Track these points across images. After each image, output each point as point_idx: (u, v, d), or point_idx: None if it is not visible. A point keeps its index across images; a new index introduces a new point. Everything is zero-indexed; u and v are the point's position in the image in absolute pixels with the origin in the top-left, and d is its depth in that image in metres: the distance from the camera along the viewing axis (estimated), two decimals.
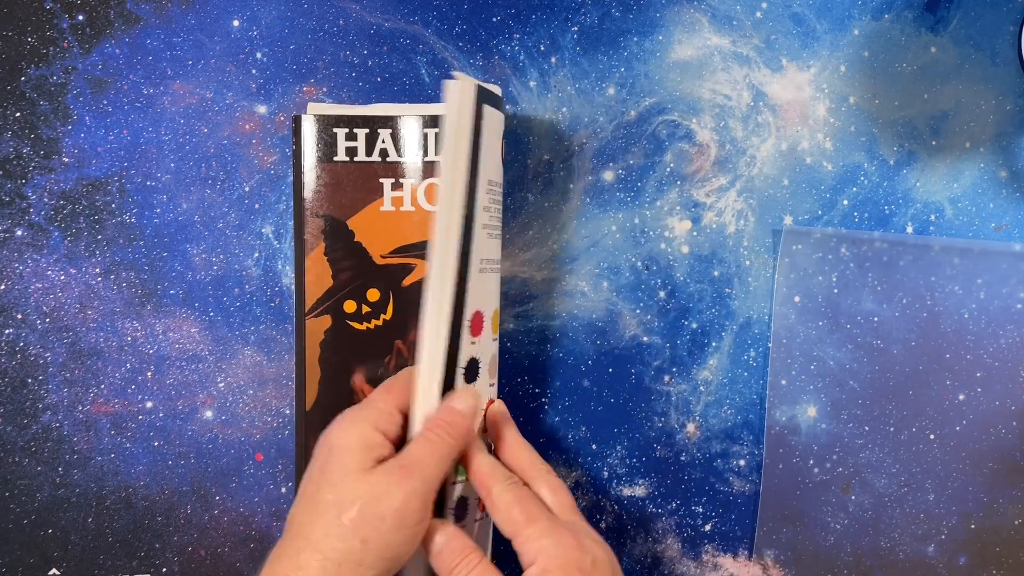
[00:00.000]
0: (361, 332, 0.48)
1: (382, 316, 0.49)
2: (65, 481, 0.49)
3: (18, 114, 0.49)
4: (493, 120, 0.43)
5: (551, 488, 0.41)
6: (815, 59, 0.51)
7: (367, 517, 0.36)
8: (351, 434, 0.39)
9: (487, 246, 0.44)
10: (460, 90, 0.41)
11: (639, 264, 0.52)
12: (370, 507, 0.37)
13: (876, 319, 0.51)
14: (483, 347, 0.45)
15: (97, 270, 0.49)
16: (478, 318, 0.44)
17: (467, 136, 0.41)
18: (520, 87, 0.51)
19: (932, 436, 0.51)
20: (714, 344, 0.52)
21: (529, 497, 0.40)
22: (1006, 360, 0.51)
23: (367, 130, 0.47)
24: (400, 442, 0.41)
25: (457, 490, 0.43)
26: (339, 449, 0.39)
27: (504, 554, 0.42)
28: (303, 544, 0.37)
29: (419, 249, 0.48)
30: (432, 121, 0.47)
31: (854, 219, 0.52)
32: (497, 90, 0.45)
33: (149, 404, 0.50)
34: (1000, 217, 0.52)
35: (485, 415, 0.45)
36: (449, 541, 0.39)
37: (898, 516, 0.52)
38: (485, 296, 0.45)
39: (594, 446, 0.52)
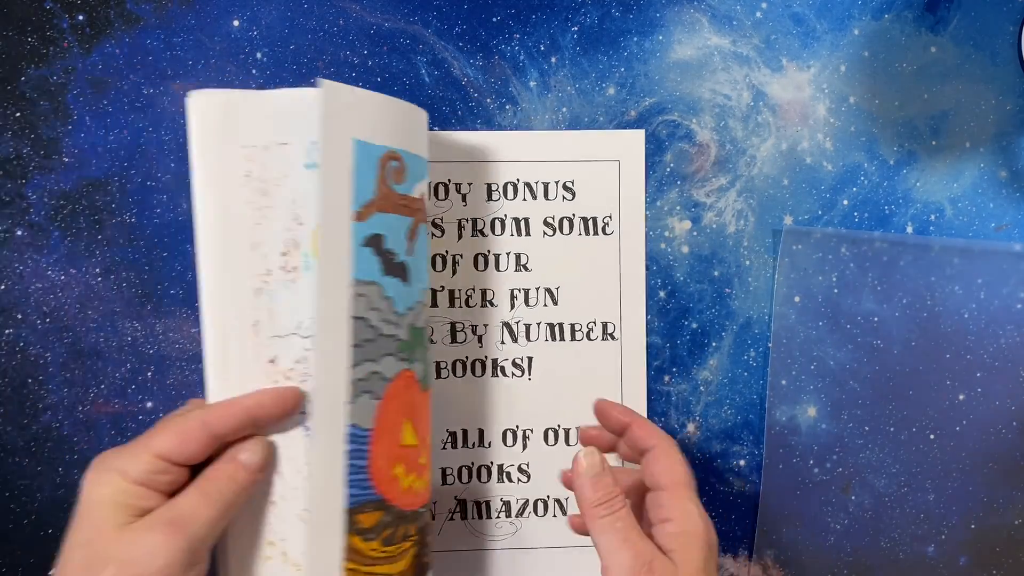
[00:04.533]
0: None
1: None
2: (65, 481, 0.49)
3: (18, 114, 0.49)
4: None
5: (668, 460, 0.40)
6: (815, 59, 0.51)
7: None
8: (102, 487, 0.35)
9: None
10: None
11: None
12: (125, 570, 0.33)
13: (876, 319, 0.51)
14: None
15: (97, 270, 0.49)
16: None
17: None
18: (520, 87, 0.51)
19: (932, 436, 0.51)
20: (714, 344, 0.52)
21: (625, 526, 0.38)
22: (1006, 360, 0.51)
23: None
24: (178, 489, 0.37)
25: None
26: (88, 504, 0.35)
27: None
28: None
29: None
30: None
31: (854, 219, 0.52)
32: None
33: (149, 404, 0.50)
34: (1000, 217, 0.52)
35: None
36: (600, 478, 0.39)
37: (898, 516, 0.52)
38: None
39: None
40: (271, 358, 0.39)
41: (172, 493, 0.36)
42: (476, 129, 0.50)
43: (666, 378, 0.52)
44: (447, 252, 0.50)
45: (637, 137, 0.51)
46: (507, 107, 0.51)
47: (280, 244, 0.39)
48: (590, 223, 0.51)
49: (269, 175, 0.39)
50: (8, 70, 0.49)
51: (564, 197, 0.51)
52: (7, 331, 0.49)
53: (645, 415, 0.51)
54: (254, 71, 0.50)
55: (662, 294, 0.52)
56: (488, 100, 0.51)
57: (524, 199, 0.51)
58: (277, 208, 0.39)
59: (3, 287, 0.49)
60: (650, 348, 0.52)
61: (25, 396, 0.49)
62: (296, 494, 0.39)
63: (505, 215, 0.51)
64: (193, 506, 0.35)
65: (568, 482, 0.47)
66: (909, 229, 0.52)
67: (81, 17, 0.49)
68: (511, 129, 0.51)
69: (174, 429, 0.36)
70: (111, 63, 0.49)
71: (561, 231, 0.51)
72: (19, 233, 0.49)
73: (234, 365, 0.39)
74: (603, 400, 0.45)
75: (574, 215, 0.51)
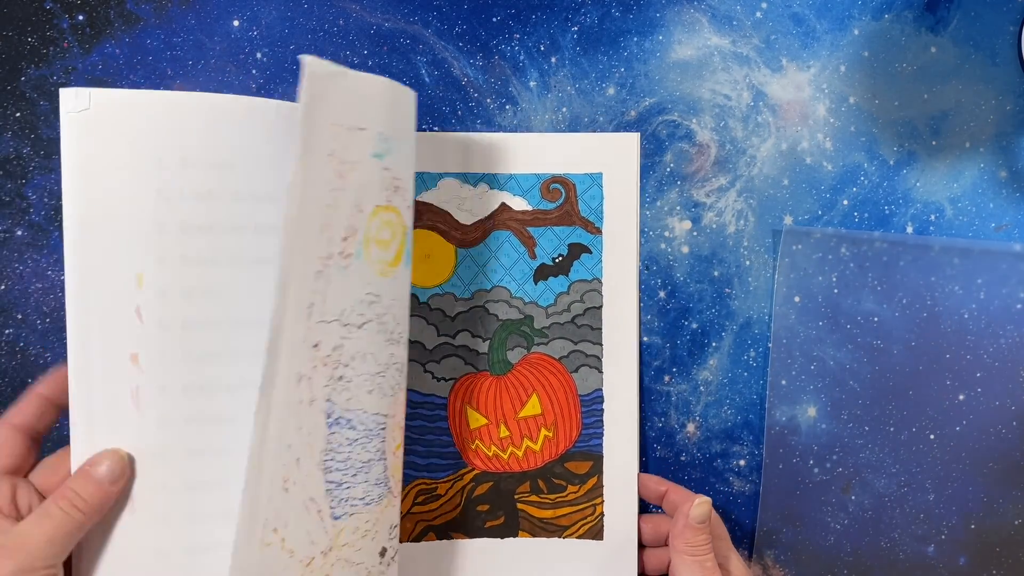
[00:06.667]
0: None
1: None
2: None
3: (18, 114, 0.49)
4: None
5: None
6: (815, 59, 0.51)
7: None
8: None
9: None
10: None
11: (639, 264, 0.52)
12: None
13: (876, 319, 0.51)
14: None
15: None
16: None
17: None
18: (520, 87, 0.51)
19: (932, 436, 0.51)
20: (714, 344, 0.52)
21: (713, 567, 0.44)
22: (1006, 360, 0.51)
23: None
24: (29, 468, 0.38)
25: None
26: None
27: None
28: None
29: None
30: None
31: (854, 219, 0.52)
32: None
33: None
34: (1000, 217, 0.52)
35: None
36: None
37: (898, 516, 0.52)
38: None
39: None
40: (315, 343, 0.39)
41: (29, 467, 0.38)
42: (476, 129, 0.50)
43: (666, 378, 0.52)
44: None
45: (629, 142, 0.51)
46: (507, 107, 0.51)
47: (343, 229, 0.39)
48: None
49: (348, 157, 0.39)
50: (8, 70, 0.49)
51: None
52: (7, 331, 0.49)
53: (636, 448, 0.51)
54: (254, 71, 0.50)
55: (662, 294, 0.52)
56: (488, 100, 0.51)
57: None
58: (347, 191, 0.39)
59: (3, 287, 0.49)
60: (650, 348, 0.52)
61: None
62: (307, 482, 0.39)
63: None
64: (32, 530, 0.35)
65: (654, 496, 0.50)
66: (909, 229, 0.52)
67: (81, 17, 0.49)
68: (511, 130, 0.51)
69: None
70: (111, 63, 0.49)
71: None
72: (19, 233, 0.49)
73: (284, 349, 0.38)
74: (641, 475, 0.50)
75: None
